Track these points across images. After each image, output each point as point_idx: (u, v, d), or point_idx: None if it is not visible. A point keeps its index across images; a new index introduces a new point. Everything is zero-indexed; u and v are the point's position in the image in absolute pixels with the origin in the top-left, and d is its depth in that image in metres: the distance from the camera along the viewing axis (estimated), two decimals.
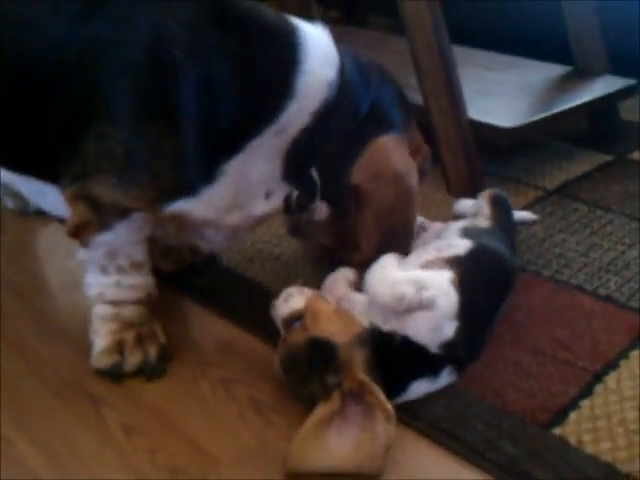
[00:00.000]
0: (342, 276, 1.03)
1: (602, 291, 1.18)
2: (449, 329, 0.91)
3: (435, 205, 1.48)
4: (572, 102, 1.59)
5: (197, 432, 0.86)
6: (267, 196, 0.97)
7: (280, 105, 0.90)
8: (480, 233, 1.10)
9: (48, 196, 0.96)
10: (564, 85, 1.73)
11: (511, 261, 1.10)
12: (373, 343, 0.91)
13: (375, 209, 1.00)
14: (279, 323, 0.96)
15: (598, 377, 0.97)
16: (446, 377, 0.93)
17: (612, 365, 1.00)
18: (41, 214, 1.32)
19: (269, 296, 0.99)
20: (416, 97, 1.45)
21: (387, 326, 0.92)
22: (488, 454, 0.84)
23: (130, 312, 0.96)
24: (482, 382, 0.95)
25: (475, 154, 1.45)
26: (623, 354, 1.02)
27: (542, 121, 1.49)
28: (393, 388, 0.90)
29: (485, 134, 1.48)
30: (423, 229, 1.16)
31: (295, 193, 0.99)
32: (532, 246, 1.32)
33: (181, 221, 0.94)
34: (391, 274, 0.93)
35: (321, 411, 0.85)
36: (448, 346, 0.91)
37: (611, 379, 0.97)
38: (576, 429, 0.88)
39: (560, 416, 0.90)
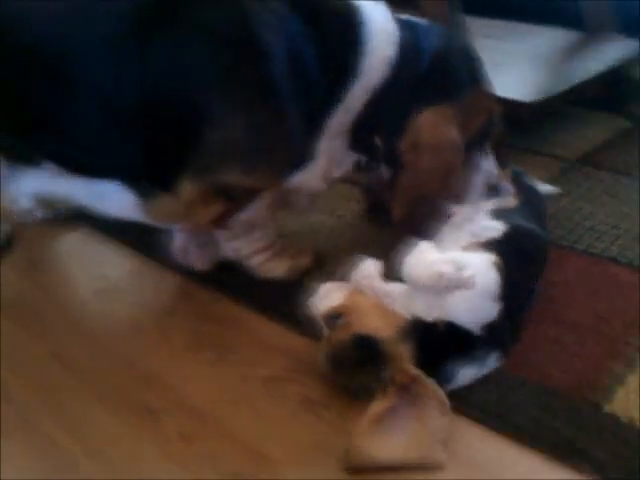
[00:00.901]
0: (371, 268, 1.02)
1: (637, 262, 1.18)
2: (491, 310, 0.91)
3: None
4: (590, 71, 1.59)
5: (252, 434, 0.87)
6: (339, 164, 1.08)
7: (349, 84, 0.98)
8: (510, 213, 1.10)
9: (110, 197, 0.98)
10: (578, 52, 1.71)
11: (544, 237, 1.10)
12: (418, 334, 0.90)
13: (409, 176, 1.06)
14: (319, 319, 0.96)
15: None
16: (492, 361, 0.93)
17: None
18: (67, 220, 1.33)
19: (307, 292, 0.99)
20: None
21: (430, 315, 0.92)
22: (544, 436, 0.84)
23: (276, 244, 1.15)
24: (527, 363, 0.96)
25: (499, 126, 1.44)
26: None
27: (563, 93, 1.48)
28: (442, 376, 0.90)
29: (506, 109, 1.47)
30: (451, 214, 1.15)
31: (363, 159, 1.09)
32: (562, 220, 1.32)
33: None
34: (429, 256, 0.93)
35: (378, 406, 0.86)
36: (491, 328, 0.91)
37: None
38: (625, 405, 0.89)
39: (608, 393, 0.90)
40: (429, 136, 1.04)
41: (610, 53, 1.69)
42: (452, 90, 1.05)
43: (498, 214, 1.07)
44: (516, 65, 1.62)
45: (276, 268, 1.14)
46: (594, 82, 1.59)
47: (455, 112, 1.05)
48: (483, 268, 0.91)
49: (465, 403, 0.90)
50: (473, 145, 1.12)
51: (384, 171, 1.12)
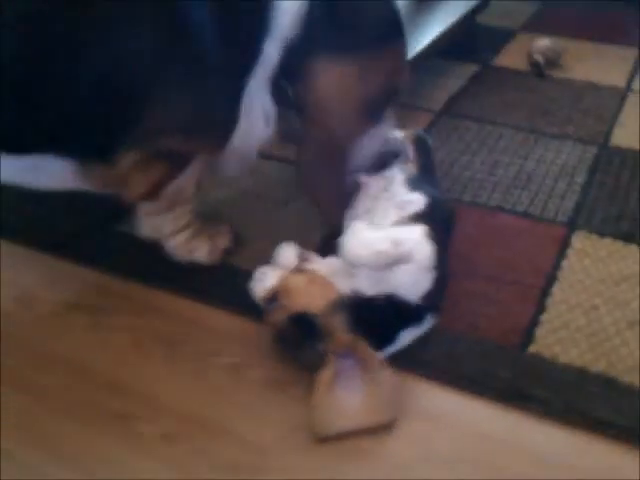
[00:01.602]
0: (291, 255, 1.08)
1: (519, 208, 1.34)
2: (428, 280, 1.01)
3: None
4: (446, 22, 1.70)
5: (232, 424, 0.92)
6: (267, 122, 1.06)
7: (264, 40, 0.98)
8: (419, 181, 1.20)
9: (43, 170, 0.97)
10: (430, 4, 1.83)
11: (451, 203, 1.21)
12: (358, 306, 0.98)
13: (311, 130, 1.06)
14: (260, 303, 1.02)
15: (546, 291, 1.13)
16: (428, 322, 1.04)
17: (552, 278, 1.15)
18: None
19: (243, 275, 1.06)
20: None
21: (371, 289, 1.00)
22: (487, 383, 0.97)
23: (196, 221, 1.15)
24: (455, 318, 1.07)
25: None
26: (557, 266, 1.18)
27: (427, 47, 1.58)
28: (385, 341, 1.00)
29: None
30: (363, 184, 1.21)
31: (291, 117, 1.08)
32: (445, 173, 1.44)
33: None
34: (366, 235, 1.01)
35: (323, 376, 0.93)
36: (428, 296, 1.01)
37: (556, 291, 1.13)
38: (545, 343, 1.03)
39: (529, 335, 1.04)
40: (329, 88, 1.02)
41: (459, 2, 1.82)
42: (360, 44, 1.01)
43: (413, 184, 1.15)
44: None
45: (196, 249, 1.15)
46: (450, 33, 1.70)
47: (360, 67, 1.01)
48: (418, 241, 1.00)
49: (412, 362, 1.00)
50: (377, 106, 1.10)
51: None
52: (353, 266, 1.00)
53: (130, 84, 0.90)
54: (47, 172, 0.97)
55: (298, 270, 1.03)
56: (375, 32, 1.03)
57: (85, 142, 0.93)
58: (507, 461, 0.88)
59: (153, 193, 1.03)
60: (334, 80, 1.00)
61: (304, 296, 0.97)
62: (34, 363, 1.01)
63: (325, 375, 0.92)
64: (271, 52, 1.00)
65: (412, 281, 0.99)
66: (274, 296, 0.99)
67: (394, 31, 1.07)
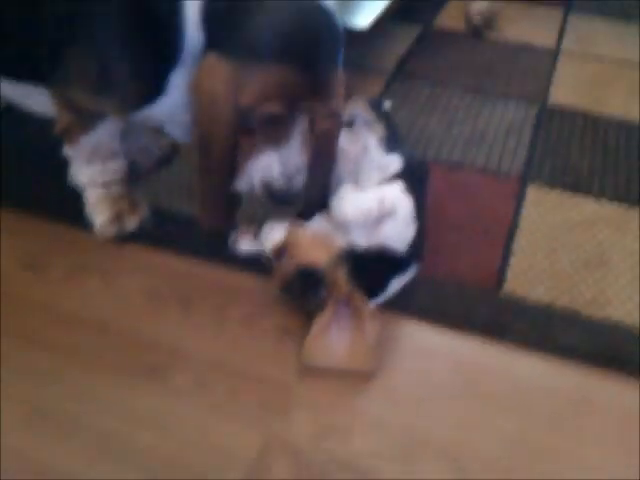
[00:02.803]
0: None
1: (477, 163, 1.48)
2: (411, 230, 1.14)
3: None
4: None
5: (257, 368, 1.03)
6: None
7: (182, 16, 1.00)
8: (390, 142, 1.32)
9: (34, 97, 1.12)
10: None
11: (421, 159, 1.34)
12: (353, 259, 1.11)
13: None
14: (267, 256, 1.13)
15: (510, 238, 1.28)
16: (413, 270, 1.18)
17: (514, 226, 1.31)
18: None
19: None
20: None
21: (365, 242, 1.13)
22: (470, 319, 1.12)
23: (117, 189, 1.21)
24: (436, 265, 1.21)
25: None
26: (517, 215, 1.34)
27: (384, 12, 1.69)
28: (377, 289, 1.13)
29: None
30: (344, 151, 1.32)
31: None
32: (407, 133, 1.57)
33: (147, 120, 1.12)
34: (355, 197, 1.13)
35: (320, 320, 1.05)
36: (412, 245, 1.15)
37: (519, 238, 1.28)
38: (516, 283, 1.19)
39: (501, 277, 1.20)
40: (198, 79, 0.99)
41: None
42: (257, 50, 0.95)
43: (387, 146, 1.28)
44: None
45: (97, 213, 1.22)
46: None
47: (242, 71, 0.96)
48: (399, 197, 1.13)
49: (404, 306, 1.14)
50: (261, 120, 1.01)
51: None
52: (345, 224, 1.11)
53: (53, 26, 1.01)
54: (37, 99, 1.11)
55: (299, 227, 1.14)
56: (273, 47, 0.96)
57: (27, 68, 1.07)
58: (492, 387, 1.03)
59: (68, 136, 1.14)
60: (209, 72, 0.98)
61: (310, 250, 1.08)
62: (56, 324, 1.09)
63: (322, 319, 1.04)
64: (191, 40, 1.01)
65: (397, 233, 1.12)
66: (281, 251, 1.08)
67: (299, 53, 0.96)
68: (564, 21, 2.13)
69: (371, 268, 1.11)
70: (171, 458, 0.90)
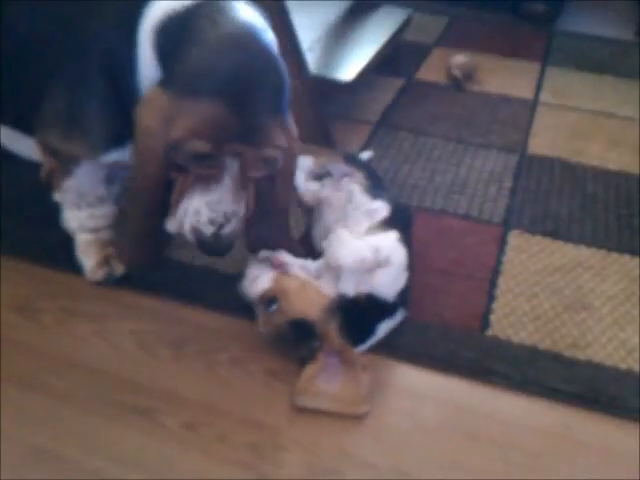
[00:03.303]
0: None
1: (460, 211, 1.53)
2: (403, 279, 1.17)
3: None
4: (379, 41, 1.88)
5: (245, 409, 1.05)
6: None
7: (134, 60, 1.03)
8: (374, 189, 1.36)
9: (22, 141, 1.16)
10: (361, 22, 2.01)
11: (406, 206, 1.38)
12: (343, 307, 1.13)
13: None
14: (253, 301, 1.15)
15: (493, 283, 1.32)
16: (400, 315, 1.21)
17: (496, 271, 1.35)
18: None
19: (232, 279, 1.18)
20: None
21: (354, 290, 1.15)
22: (455, 362, 1.15)
23: (106, 234, 1.24)
24: (422, 309, 1.24)
25: (320, 105, 1.69)
26: (499, 261, 1.38)
27: (368, 65, 1.76)
28: (365, 334, 1.16)
29: (325, 87, 1.72)
30: (327, 198, 1.36)
31: None
32: (390, 181, 1.61)
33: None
34: (350, 244, 1.16)
35: (310, 369, 1.07)
36: (402, 293, 1.18)
37: (501, 283, 1.32)
38: (499, 327, 1.22)
39: (485, 320, 1.23)
40: (137, 111, 0.99)
41: (387, 21, 2.01)
42: (189, 84, 0.94)
43: (371, 193, 1.32)
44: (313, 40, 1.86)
45: (85, 258, 1.25)
46: (383, 51, 1.88)
47: (181, 107, 0.94)
48: (394, 247, 1.16)
49: (391, 349, 1.16)
50: (188, 157, 0.98)
51: None
52: (338, 270, 1.14)
53: (30, 75, 1.08)
54: (25, 143, 1.15)
55: (287, 274, 1.16)
56: (206, 83, 0.94)
57: (11, 113, 1.13)
58: (479, 427, 1.05)
59: (53, 181, 1.17)
60: (146, 105, 0.98)
61: (301, 302, 1.10)
62: (49, 368, 1.10)
63: (313, 368, 1.07)
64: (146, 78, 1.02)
65: (390, 281, 1.15)
66: (270, 298, 1.10)
67: (231, 92, 0.94)
68: (541, 73, 2.21)
69: (360, 314, 1.14)
70: None
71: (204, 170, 0.97)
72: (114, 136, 1.06)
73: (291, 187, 1.18)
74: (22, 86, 1.09)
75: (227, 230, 1.00)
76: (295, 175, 1.19)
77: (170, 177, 1.00)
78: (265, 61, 0.97)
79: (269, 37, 0.99)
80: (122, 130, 1.03)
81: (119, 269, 1.24)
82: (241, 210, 1.01)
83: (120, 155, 1.08)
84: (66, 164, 1.14)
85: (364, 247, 1.13)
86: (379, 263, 1.12)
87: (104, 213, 1.22)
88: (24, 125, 1.13)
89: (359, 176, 1.37)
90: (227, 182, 0.98)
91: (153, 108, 0.96)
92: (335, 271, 1.14)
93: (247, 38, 0.96)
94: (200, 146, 0.94)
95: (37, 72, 1.06)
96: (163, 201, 1.02)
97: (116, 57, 1.02)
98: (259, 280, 1.13)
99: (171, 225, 1.03)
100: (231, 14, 0.97)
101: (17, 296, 1.23)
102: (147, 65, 1.01)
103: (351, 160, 1.43)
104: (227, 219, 0.99)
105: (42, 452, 0.97)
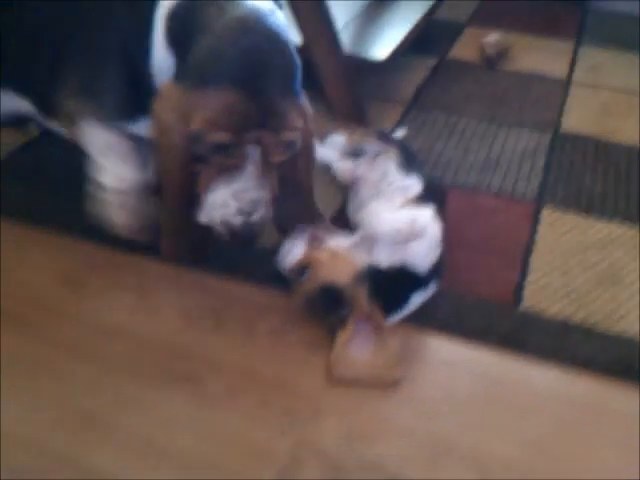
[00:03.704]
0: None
1: (493, 188, 1.55)
2: (436, 252, 1.20)
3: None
4: (412, 20, 1.89)
5: (285, 378, 1.08)
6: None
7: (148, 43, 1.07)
8: (408, 166, 1.39)
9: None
10: (394, 0, 2.02)
11: (440, 183, 1.40)
12: (375, 275, 1.17)
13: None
14: (288, 273, 1.18)
15: (526, 258, 1.34)
16: (434, 286, 1.24)
17: (529, 247, 1.37)
18: None
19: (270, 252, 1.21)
20: None
21: (388, 261, 1.18)
22: (489, 333, 1.17)
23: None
24: (455, 282, 1.26)
25: (355, 84, 1.71)
26: (532, 237, 1.40)
27: (401, 44, 1.77)
28: (398, 304, 1.19)
29: (359, 66, 1.74)
30: (363, 176, 1.39)
31: None
32: (425, 159, 1.63)
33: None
34: (387, 215, 1.19)
35: (341, 336, 1.10)
36: (435, 266, 1.21)
37: (534, 258, 1.34)
38: (533, 299, 1.24)
39: (518, 294, 1.25)
40: (154, 106, 1.01)
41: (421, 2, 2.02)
42: (204, 75, 0.94)
43: (405, 170, 1.34)
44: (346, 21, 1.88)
45: (119, 214, 1.18)
46: (415, 30, 1.90)
47: (196, 99, 0.95)
48: (429, 221, 1.19)
49: (426, 320, 1.19)
50: (209, 149, 0.99)
51: None
52: (373, 240, 1.17)
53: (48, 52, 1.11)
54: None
55: (319, 247, 1.19)
56: (220, 73, 0.94)
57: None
58: (512, 396, 1.08)
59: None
60: (162, 100, 1.00)
61: (332, 268, 1.14)
62: (96, 336, 1.15)
63: (344, 336, 1.10)
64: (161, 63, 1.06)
65: (424, 253, 1.18)
66: (303, 268, 1.14)
67: (246, 80, 0.94)
68: (575, 52, 2.20)
69: (393, 284, 1.16)
70: (206, 460, 0.96)
71: (226, 160, 0.97)
72: (126, 108, 1.09)
73: (312, 166, 1.19)
74: (41, 65, 1.12)
75: (255, 217, 1.01)
76: (314, 154, 1.21)
77: (194, 170, 1.00)
78: (274, 44, 0.95)
79: (276, 20, 0.98)
80: (134, 105, 1.08)
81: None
82: (267, 195, 1.02)
83: (135, 128, 1.11)
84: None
85: (400, 218, 1.16)
86: (414, 234, 1.15)
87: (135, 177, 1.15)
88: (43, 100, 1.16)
89: (392, 153, 1.39)
90: (250, 170, 0.98)
91: (168, 103, 0.97)
92: (370, 242, 1.16)
93: (253, 22, 0.95)
94: (220, 136, 0.94)
95: (55, 53, 1.10)
96: (191, 194, 1.02)
97: (131, 42, 1.05)
98: (292, 252, 1.17)
99: (202, 217, 1.03)
100: None
101: (64, 270, 1.27)
102: (160, 52, 1.04)
103: (384, 138, 1.45)
104: (254, 207, 1.00)
105: (92, 417, 1.01)
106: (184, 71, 0.97)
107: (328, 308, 1.13)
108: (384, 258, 1.16)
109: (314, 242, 1.18)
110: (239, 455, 0.96)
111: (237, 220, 1.00)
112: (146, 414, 1.02)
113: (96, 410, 1.03)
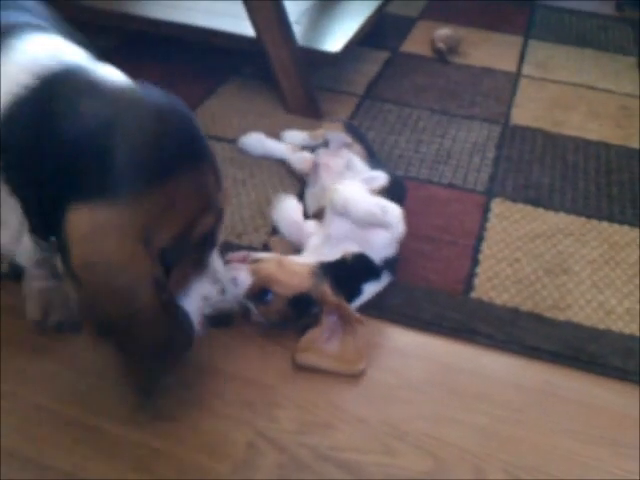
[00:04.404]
0: (294, 204, 1.28)
1: (444, 180, 1.57)
2: (393, 249, 1.21)
3: (277, 125, 1.69)
4: (365, 13, 1.91)
5: (239, 369, 1.10)
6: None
7: None
8: (372, 160, 1.41)
9: None
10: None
11: (401, 178, 1.42)
12: (330, 271, 1.17)
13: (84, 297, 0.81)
14: (246, 301, 1.13)
15: (477, 248, 1.37)
16: (385, 277, 1.25)
17: (480, 237, 1.40)
18: None
19: None
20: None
21: (344, 250, 1.19)
22: (441, 322, 1.20)
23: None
24: (408, 273, 1.28)
25: (308, 76, 1.72)
26: (482, 227, 1.42)
27: (354, 37, 1.79)
28: (352, 294, 1.20)
29: (312, 59, 1.75)
30: (326, 164, 1.40)
31: None
32: (378, 152, 1.65)
33: None
34: (362, 196, 1.19)
35: (313, 332, 1.11)
36: (388, 261, 1.22)
37: (485, 248, 1.37)
38: (483, 290, 1.27)
39: (468, 284, 1.28)
40: (85, 249, 0.77)
41: None
42: (130, 179, 0.77)
43: (371, 163, 1.36)
44: (309, 14, 1.88)
45: (27, 299, 1.09)
46: (369, 23, 1.91)
47: (132, 211, 0.77)
48: (399, 215, 1.20)
49: (380, 310, 1.21)
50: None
51: None
52: (342, 213, 1.17)
53: None
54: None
55: (257, 261, 1.15)
56: (166, 164, 0.80)
57: None
58: (464, 383, 1.10)
59: None
60: (96, 235, 0.77)
61: (288, 279, 1.12)
62: None
63: (315, 330, 1.11)
64: None
65: (384, 245, 1.19)
66: (262, 289, 1.12)
67: (188, 153, 0.83)
68: (524, 47, 2.25)
69: (346, 273, 1.18)
70: (160, 452, 0.96)
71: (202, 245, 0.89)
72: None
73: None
74: None
75: (232, 294, 1.00)
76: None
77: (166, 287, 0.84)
78: (186, 115, 0.85)
79: (126, 80, 0.84)
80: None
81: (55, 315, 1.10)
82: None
83: None
84: None
85: (374, 203, 1.16)
86: (383, 223, 1.16)
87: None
88: None
89: (358, 147, 1.40)
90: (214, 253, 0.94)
91: (110, 235, 0.76)
92: (339, 213, 1.17)
93: (139, 98, 0.82)
94: (209, 219, 0.86)
95: None
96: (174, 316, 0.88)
97: None
98: (239, 280, 1.12)
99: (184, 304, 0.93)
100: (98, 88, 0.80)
101: None
102: None
103: (352, 130, 1.46)
104: (227, 285, 0.98)
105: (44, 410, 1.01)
106: (103, 185, 0.76)
107: (301, 313, 1.13)
108: (340, 244, 1.16)
109: (244, 261, 1.15)
110: (194, 448, 0.96)
111: (225, 305, 0.98)
112: (99, 409, 1.00)
113: (46, 404, 1.00)
